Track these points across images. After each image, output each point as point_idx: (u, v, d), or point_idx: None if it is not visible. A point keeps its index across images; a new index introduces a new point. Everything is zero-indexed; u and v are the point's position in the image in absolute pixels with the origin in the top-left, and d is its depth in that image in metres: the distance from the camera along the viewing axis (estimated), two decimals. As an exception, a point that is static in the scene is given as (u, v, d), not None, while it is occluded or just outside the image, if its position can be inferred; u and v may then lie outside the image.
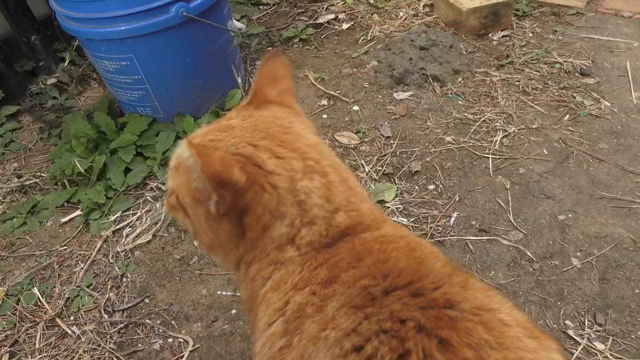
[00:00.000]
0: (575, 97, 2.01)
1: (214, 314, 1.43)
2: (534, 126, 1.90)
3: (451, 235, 1.54)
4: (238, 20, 2.68)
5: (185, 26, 1.77)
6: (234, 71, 2.05)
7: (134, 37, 1.73)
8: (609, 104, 1.97)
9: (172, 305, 1.47)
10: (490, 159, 1.78)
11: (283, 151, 0.62)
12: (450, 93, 2.11)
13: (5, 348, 1.40)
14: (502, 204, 1.62)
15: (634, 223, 1.52)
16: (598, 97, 2.01)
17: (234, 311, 1.43)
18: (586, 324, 1.29)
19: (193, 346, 1.35)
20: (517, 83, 2.12)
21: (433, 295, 0.48)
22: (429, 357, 0.41)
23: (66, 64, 2.41)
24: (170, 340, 1.38)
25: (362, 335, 0.46)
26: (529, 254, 1.46)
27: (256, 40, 2.59)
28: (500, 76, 2.17)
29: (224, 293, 1.48)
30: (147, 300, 1.49)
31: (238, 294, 1.47)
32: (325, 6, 2.81)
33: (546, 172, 1.72)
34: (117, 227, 1.71)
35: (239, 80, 2.07)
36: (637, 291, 1.35)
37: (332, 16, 2.73)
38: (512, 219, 1.57)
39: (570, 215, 1.56)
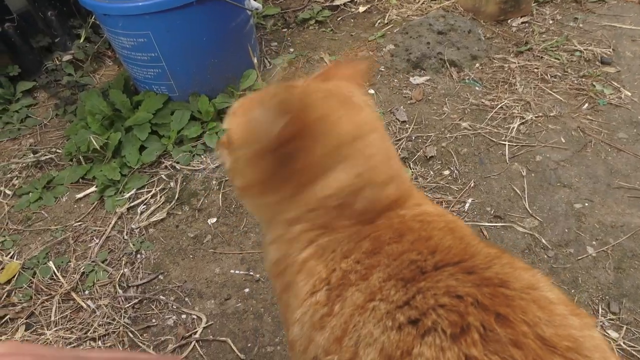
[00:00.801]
0: (595, 86, 1.98)
1: (227, 292, 1.44)
2: (552, 114, 1.88)
3: (465, 221, 1.54)
4: (255, 0, 2.66)
5: (203, 3, 1.75)
6: (249, 51, 2.04)
7: (151, 13, 1.72)
8: (629, 94, 1.94)
9: (185, 283, 1.48)
10: (507, 145, 1.77)
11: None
12: (468, 79, 2.08)
13: (22, 320, 1.43)
14: (518, 191, 1.61)
15: (651, 214, 1.50)
16: (618, 86, 1.97)
17: (247, 290, 1.44)
18: (600, 312, 1.28)
19: (206, 323, 1.37)
20: (535, 70, 2.09)
21: (486, 274, 0.48)
22: (490, 331, 0.42)
23: (81, 40, 2.41)
24: (183, 316, 1.40)
25: (417, 309, 0.47)
26: (543, 241, 1.45)
27: (272, 21, 2.57)
28: (518, 63, 2.14)
29: (237, 272, 1.49)
30: (161, 277, 1.51)
31: (251, 273, 1.48)
32: (341, -12, 2.77)
33: (563, 160, 1.70)
34: (132, 204, 1.72)
35: (255, 60, 2.06)
36: (652, 281, 1.34)
37: (348, -2, 2.70)
38: (527, 206, 1.56)
39: (586, 204, 1.55)
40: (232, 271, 1.50)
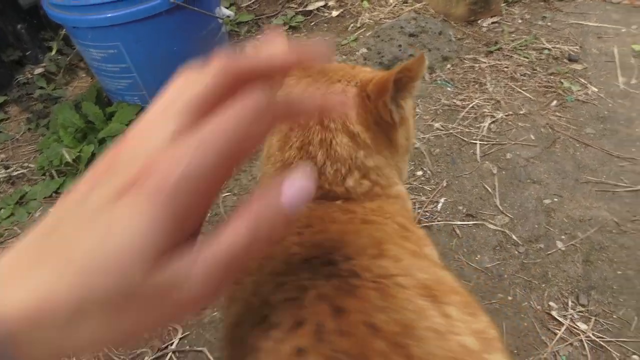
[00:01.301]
0: (562, 83, 2.02)
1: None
2: (521, 112, 1.91)
3: (438, 221, 1.56)
4: (227, 8, 2.66)
5: (172, 13, 1.76)
6: (222, 59, 2.04)
7: (120, 24, 1.72)
8: (596, 90, 1.98)
9: (161, 293, 1.47)
10: (478, 144, 1.79)
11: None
12: (439, 80, 2.11)
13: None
14: (489, 189, 1.63)
15: (617, 206, 1.54)
16: (585, 82, 2.02)
17: (222, 298, 1.44)
18: (569, 305, 1.31)
19: (182, 333, 1.36)
20: (505, 69, 2.13)
21: (344, 266, 0.47)
22: (323, 324, 0.41)
23: (53, 53, 2.39)
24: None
25: (270, 305, 0.46)
26: (514, 237, 1.48)
27: (245, 28, 2.58)
28: (489, 63, 2.17)
29: (213, 280, 1.49)
30: (136, 288, 1.50)
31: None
32: (314, -7, 2.80)
33: (533, 157, 1.73)
34: (106, 216, 1.71)
35: (228, 68, 2.06)
36: (619, 272, 1.37)
37: (321, 3, 2.72)
38: (498, 203, 1.58)
39: (555, 200, 1.58)
40: (208, 280, 1.49)
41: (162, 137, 0.28)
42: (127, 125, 1.93)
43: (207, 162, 0.27)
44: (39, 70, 2.35)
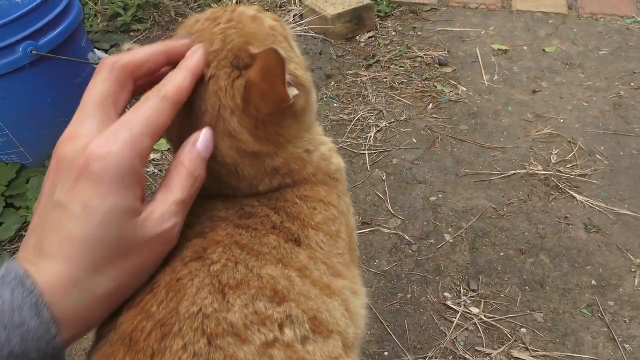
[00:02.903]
0: (436, 87, 2.18)
1: None
2: (402, 118, 2.04)
3: (338, 233, 1.61)
4: (107, 50, 2.60)
5: (38, 65, 1.68)
6: (103, 104, 1.98)
7: (-20, 83, 1.62)
8: (465, 89, 2.16)
9: None
10: (367, 154, 1.89)
11: None
12: (325, 98, 2.20)
13: None
14: (381, 196, 1.72)
15: (494, 193, 1.68)
16: (455, 84, 2.20)
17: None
18: (462, 293, 1.41)
19: None
20: (385, 80, 2.26)
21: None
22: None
23: None
24: (63, 396, 1.31)
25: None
26: (407, 238, 1.57)
27: (129, 68, 2.52)
28: (369, 75, 2.30)
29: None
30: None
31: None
32: (197, 26, 2.80)
33: (417, 159, 1.85)
34: (-8, 287, 1.58)
35: (111, 112, 2.00)
36: (501, 254, 1.50)
37: (205, 36, 2.73)
38: (390, 208, 1.67)
39: (440, 196, 1.70)
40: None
41: (91, 132, 0.40)
42: (7, 187, 1.81)
43: (123, 145, 0.38)
44: None
